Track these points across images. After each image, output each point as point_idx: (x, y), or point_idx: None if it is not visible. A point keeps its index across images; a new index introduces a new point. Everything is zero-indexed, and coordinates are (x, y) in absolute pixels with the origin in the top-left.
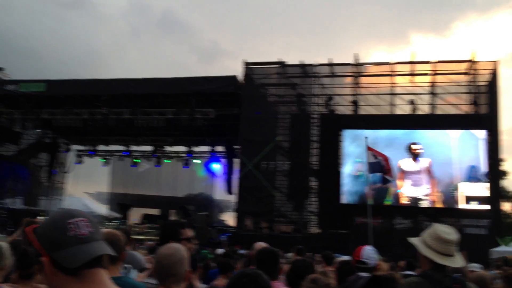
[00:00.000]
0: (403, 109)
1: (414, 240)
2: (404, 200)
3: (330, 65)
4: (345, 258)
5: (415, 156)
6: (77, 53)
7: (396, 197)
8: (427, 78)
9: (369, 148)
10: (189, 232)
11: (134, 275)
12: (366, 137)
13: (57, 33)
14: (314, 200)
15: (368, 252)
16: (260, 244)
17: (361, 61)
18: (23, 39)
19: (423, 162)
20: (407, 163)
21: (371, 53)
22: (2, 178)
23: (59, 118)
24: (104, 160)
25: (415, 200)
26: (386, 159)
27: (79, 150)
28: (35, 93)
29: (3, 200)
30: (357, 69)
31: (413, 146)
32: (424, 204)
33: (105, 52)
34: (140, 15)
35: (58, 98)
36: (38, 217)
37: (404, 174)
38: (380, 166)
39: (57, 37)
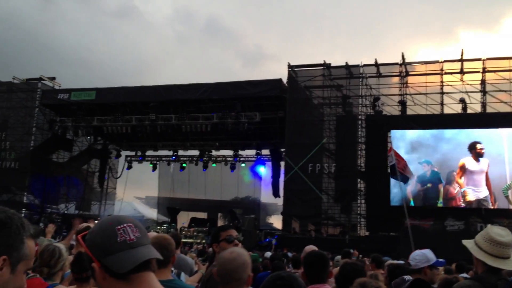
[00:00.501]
0: (453, 108)
1: (467, 243)
2: (464, 201)
3: (376, 65)
4: (396, 262)
5: (478, 156)
6: (125, 61)
7: (446, 197)
8: (478, 76)
9: (389, 150)
10: (229, 233)
11: (184, 278)
12: (389, 135)
13: (106, 43)
14: (362, 202)
15: (415, 254)
16: (310, 247)
17: (408, 60)
18: (73, 50)
19: (483, 163)
20: (470, 163)
21: (418, 52)
22: (56, 184)
23: (109, 125)
24: (153, 165)
25: (478, 201)
26: (402, 160)
27: (128, 156)
28: (85, 101)
29: (57, 205)
30: (404, 69)
31: (478, 146)
32: (488, 205)
33: (152, 59)
34: (185, 22)
35: (107, 106)
36: (95, 221)
37: (465, 174)
38: (395, 169)
39: (105, 46)
